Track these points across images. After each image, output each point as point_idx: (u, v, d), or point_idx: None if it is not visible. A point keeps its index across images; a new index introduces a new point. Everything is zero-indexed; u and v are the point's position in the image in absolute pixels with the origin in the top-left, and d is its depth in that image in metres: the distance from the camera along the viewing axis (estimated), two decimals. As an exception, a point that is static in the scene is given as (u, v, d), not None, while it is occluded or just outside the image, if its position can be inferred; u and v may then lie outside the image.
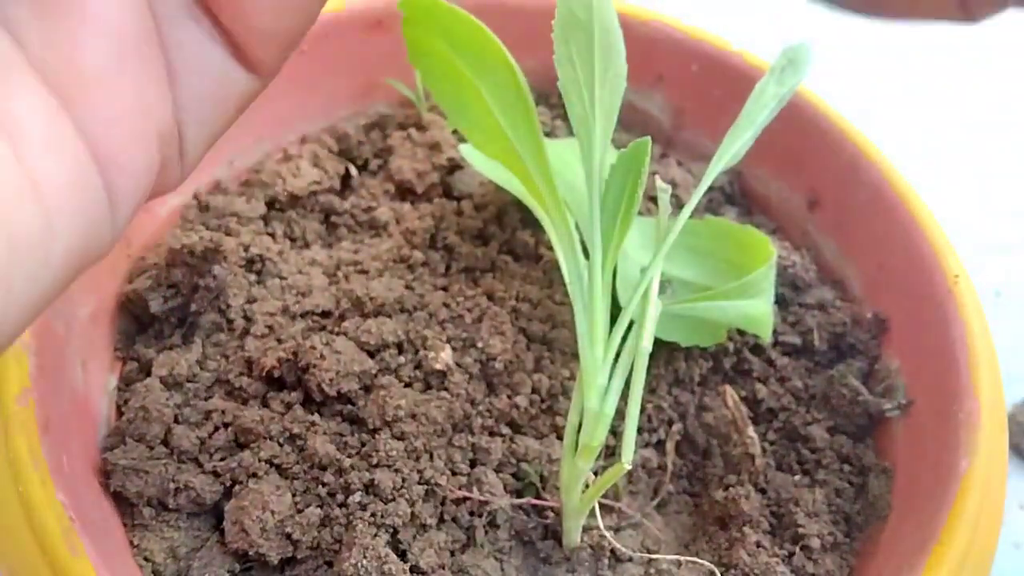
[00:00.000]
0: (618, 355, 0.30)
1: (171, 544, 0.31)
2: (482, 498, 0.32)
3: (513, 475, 0.33)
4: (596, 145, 0.30)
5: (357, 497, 0.31)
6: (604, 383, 0.29)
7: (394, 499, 0.31)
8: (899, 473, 0.34)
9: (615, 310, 0.30)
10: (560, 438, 0.34)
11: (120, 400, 0.35)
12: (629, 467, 0.29)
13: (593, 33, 0.30)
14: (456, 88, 0.31)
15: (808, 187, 0.43)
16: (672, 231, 0.31)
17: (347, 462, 0.32)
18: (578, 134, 0.30)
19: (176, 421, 0.33)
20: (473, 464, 0.33)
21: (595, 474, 0.32)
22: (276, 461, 0.32)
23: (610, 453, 0.35)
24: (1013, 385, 0.55)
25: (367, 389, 0.34)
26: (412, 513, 0.31)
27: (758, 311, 0.35)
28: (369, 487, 0.31)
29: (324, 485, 0.31)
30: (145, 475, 0.31)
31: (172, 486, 0.31)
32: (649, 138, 0.28)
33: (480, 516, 0.32)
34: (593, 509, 0.32)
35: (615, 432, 0.34)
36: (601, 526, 0.32)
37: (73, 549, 0.26)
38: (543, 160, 0.31)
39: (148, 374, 0.35)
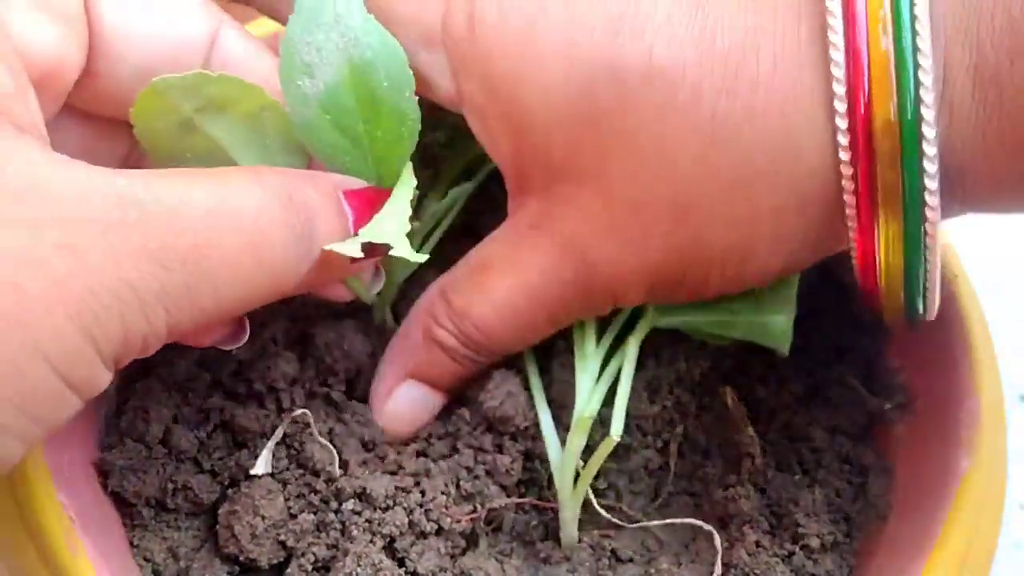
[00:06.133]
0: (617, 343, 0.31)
1: (171, 544, 0.31)
2: (482, 515, 0.31)
3: (519, 481, 0.33)
4: None
5: (350, 504, 0.30)
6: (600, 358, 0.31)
7: (389, 507, 0.30)
8: (899, 473, 0.34)
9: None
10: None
11: (120, 399, 0.34)
12: (618, 439, 0.29)
13: None
14: None
15: (808, 187, 0.43)
16: None
17: (338, 469, 0.31)
18: None
19: (175, 421, 0.33)
20: (477, 473, 0.33)
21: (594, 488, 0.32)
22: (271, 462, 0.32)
23: (613, 455, 0.34)
24: (1013, 385, 0.55)
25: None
26: (410, 522, 0.30)
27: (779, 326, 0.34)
28: (361, 495, 0.30)
29: (316, 493, 0.31)
30: (143, 475, 0.31)
31: (170, 486, 0.31)
32: None
33: (482, 523, 0.32)
34: (594, 508, 0.32)
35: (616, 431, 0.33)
36: (602, 525, 0.32)
37: (73, 549, 0.26)
38: None
39: (148, 374, 0.35)
